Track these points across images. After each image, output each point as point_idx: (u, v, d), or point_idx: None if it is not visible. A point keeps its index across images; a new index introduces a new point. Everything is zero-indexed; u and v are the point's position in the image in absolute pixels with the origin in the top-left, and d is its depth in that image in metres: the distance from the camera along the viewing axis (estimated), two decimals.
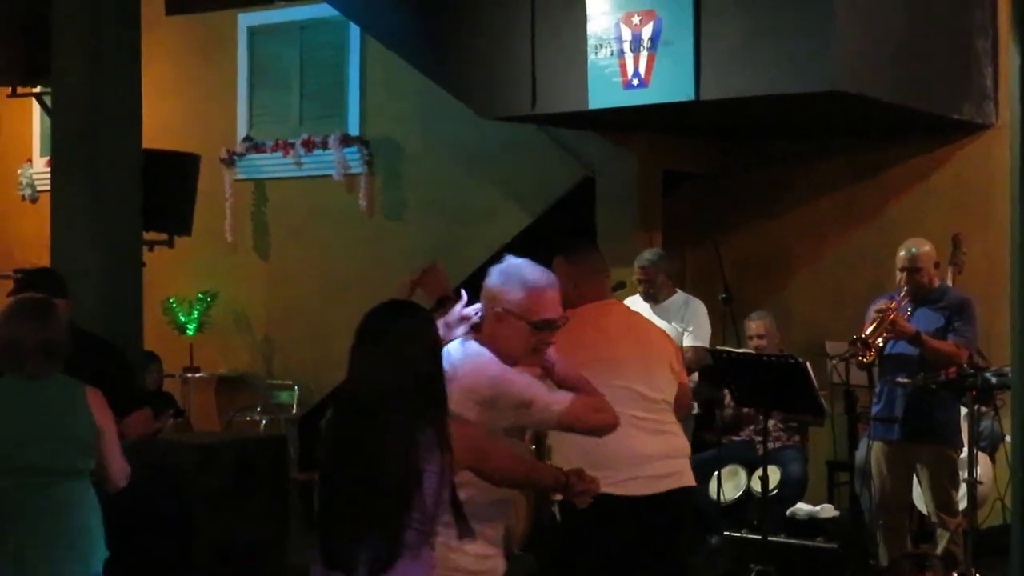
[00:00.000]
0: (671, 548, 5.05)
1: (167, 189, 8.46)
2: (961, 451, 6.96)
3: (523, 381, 4.03)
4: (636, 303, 7.89)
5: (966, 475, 6.74)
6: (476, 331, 4.14)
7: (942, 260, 7.26)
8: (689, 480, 5.09)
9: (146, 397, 6.19)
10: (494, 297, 4.10)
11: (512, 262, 4.15)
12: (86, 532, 4.95)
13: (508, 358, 4.06)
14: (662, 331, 5.54)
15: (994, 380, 6.58)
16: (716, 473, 7.95)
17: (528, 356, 4.09)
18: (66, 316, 5.67)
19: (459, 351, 4.06)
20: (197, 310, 11.40)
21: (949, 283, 7.32)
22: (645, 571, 4.97)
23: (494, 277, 4.13)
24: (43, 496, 4.81)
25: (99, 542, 5.00)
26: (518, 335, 4.06)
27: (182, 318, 11.36)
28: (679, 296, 8.21)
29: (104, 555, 5.01)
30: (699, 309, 8.14)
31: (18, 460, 4.81)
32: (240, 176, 11.49)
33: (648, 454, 4.91)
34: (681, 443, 5.13)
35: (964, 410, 6.86)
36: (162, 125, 10.02)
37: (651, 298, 8.07)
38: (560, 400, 4.07)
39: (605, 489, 4.15)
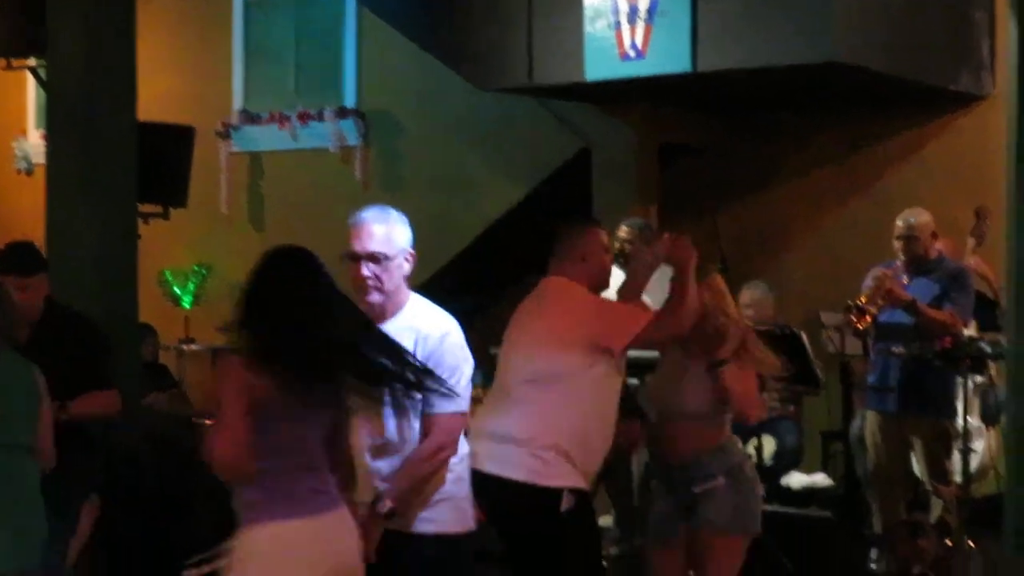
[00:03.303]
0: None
1: (162, 161, 8.43)
2: (956, 422, 6.97)
3: None
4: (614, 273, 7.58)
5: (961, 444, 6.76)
6: None
7: (961, 232, 7.26)
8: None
9: (112, 379, 5.97)
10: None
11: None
12: (36, 503, 4.97)
13: None
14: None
15: (988, 349, 6.60)
16: None
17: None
18: (41, 290, 5.65)
19: None
20: (192, 283, 11.39)
21: (969, 255, 7.34)
22: None
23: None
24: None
25: (42, 515, 5.01)
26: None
27: (177, 290, 11.35)
28: None
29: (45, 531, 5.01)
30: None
31: None
32: (236, 148, 11.45)
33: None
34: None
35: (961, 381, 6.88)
36: (157, 98, 9.97)
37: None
38: None
39: None
